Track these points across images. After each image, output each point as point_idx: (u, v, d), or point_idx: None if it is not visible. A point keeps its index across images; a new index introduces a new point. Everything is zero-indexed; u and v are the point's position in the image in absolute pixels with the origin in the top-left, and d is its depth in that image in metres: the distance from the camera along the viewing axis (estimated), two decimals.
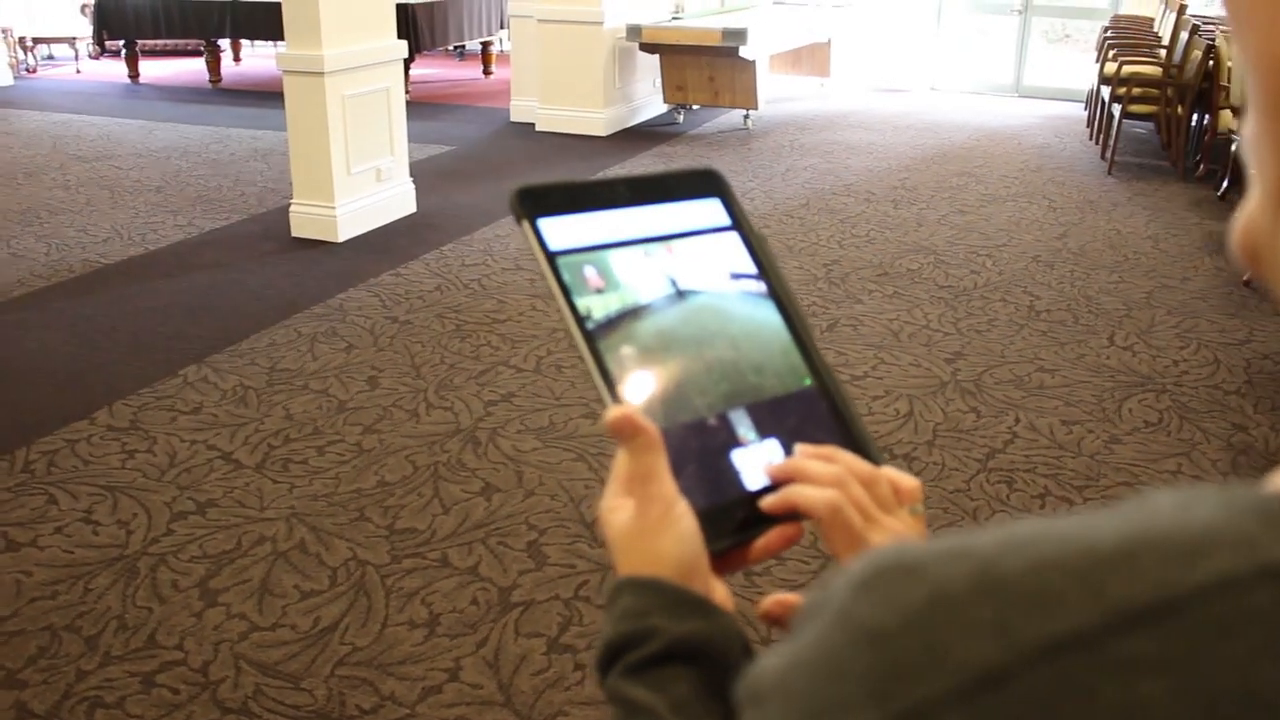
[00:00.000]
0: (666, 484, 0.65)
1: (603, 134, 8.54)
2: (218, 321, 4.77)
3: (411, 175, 6.42)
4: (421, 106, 9.67)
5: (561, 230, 0.70)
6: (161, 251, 5.78)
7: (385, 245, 5.80)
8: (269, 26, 10.43)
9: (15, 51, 12.52)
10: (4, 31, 12.01)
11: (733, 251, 0.76)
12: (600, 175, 7.02)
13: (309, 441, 3.71)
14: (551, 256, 0.69)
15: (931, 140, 8.62)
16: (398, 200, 6.27)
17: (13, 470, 3.55)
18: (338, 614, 2.84)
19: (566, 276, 0.69)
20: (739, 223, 0.77)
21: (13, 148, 8.28)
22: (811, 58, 10.88)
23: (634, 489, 0.65)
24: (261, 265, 5.53)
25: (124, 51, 11.89)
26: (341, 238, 5.85)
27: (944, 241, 5.98)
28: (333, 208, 5.82)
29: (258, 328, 4.68)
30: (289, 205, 6.00)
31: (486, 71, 12.13)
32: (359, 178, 5.95)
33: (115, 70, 12.37)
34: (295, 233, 5.94)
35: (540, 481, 3.46)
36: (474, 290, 5.13)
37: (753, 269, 0.76)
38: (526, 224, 0.69)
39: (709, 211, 0.77)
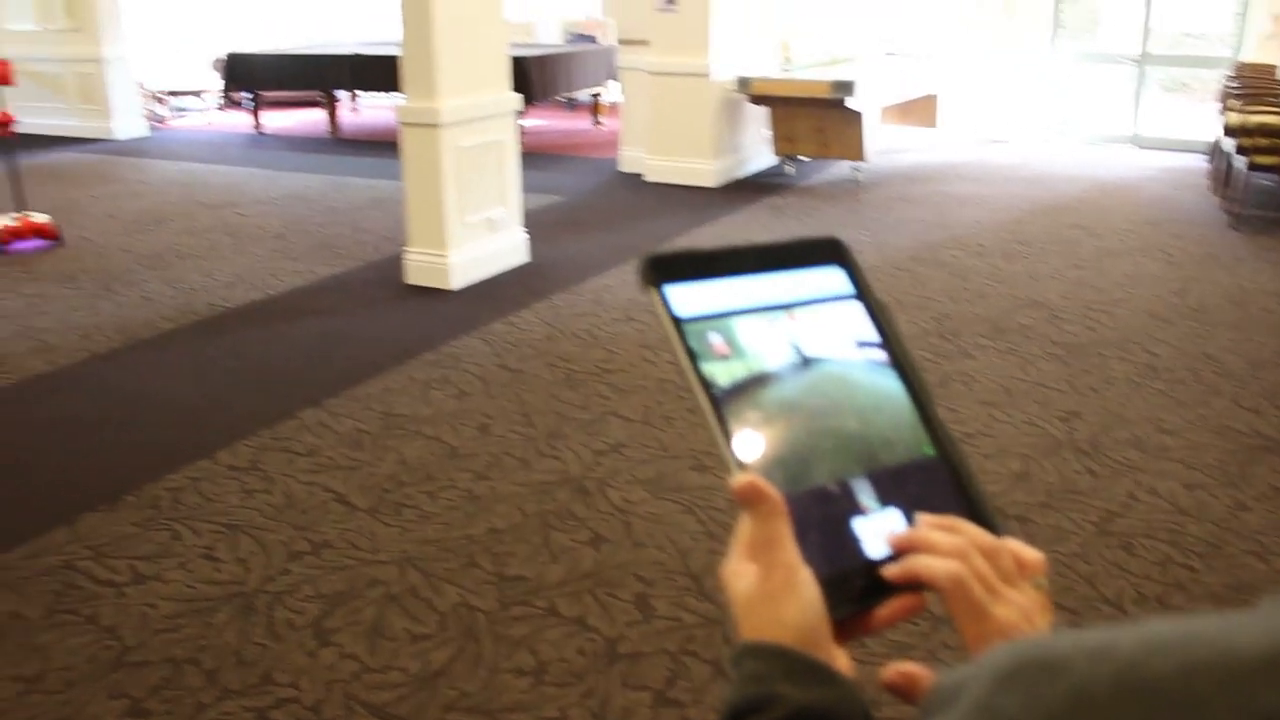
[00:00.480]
0: (790, 551, 0.66)
1: (712, 185, 8.60)
2: (334, 366, 4.91)
3: (523, 225, 6.54)
4: (532, 156, 9.84)
5: (688, 297, 0.72)
6: (281, 297, 5.97)
7: (497, 294, 5.91)
8: (386, 79, 10.75)
9: (150, 104, 13.12)
10: (140, 85, 12.58)
11: (856, 319, 0.77)
12: (709, 226, 7.03)
13: (421, 486, 3.78)
14: (678, 323, 0.71)
15: (1043, 192, 8.50)
16: (510, 249, 6.39)
17: (140, 505, 3.68)
18: (446, 658, 2.88)
19: (693, 343, 0.70)
20: (862, 291, 0.78)
21: (145, 195, 8.65)
22: (920, 108, 10.83)
23: (758, 555, 0.66)
24: (377, 312, 5.67)
25: (250, 103, 12.45)
26: (455, 286, 5.98)
27: (1058, 296, 5.88)
28: (446, 256, 5.96)
29: (373, 373, 4.79)
30: (404, 253, 6.16)
31: (596, 122, 12.32)
32: (472, 227, 6.08)
33: (241, 121, 12.90)
34: (410, 280, 6.08)
35: (649, 533, 3.48)
36: (584, 340, 5.19)
37: (875, 337, 0.77)
38: (654, 291, 0.71)
39: (832, 279, 0.78)
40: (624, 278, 6.12)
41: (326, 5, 15.75)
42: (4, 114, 7.61)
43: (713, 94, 8.52)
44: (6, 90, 7.67)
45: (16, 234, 7.28)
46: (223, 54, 12.51)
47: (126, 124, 12.13)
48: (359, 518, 3.58)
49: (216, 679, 2.82)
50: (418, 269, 6.05)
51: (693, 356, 0.70)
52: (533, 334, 5.28)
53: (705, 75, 8.45)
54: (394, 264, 6.34)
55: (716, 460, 3.81)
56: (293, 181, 9.12)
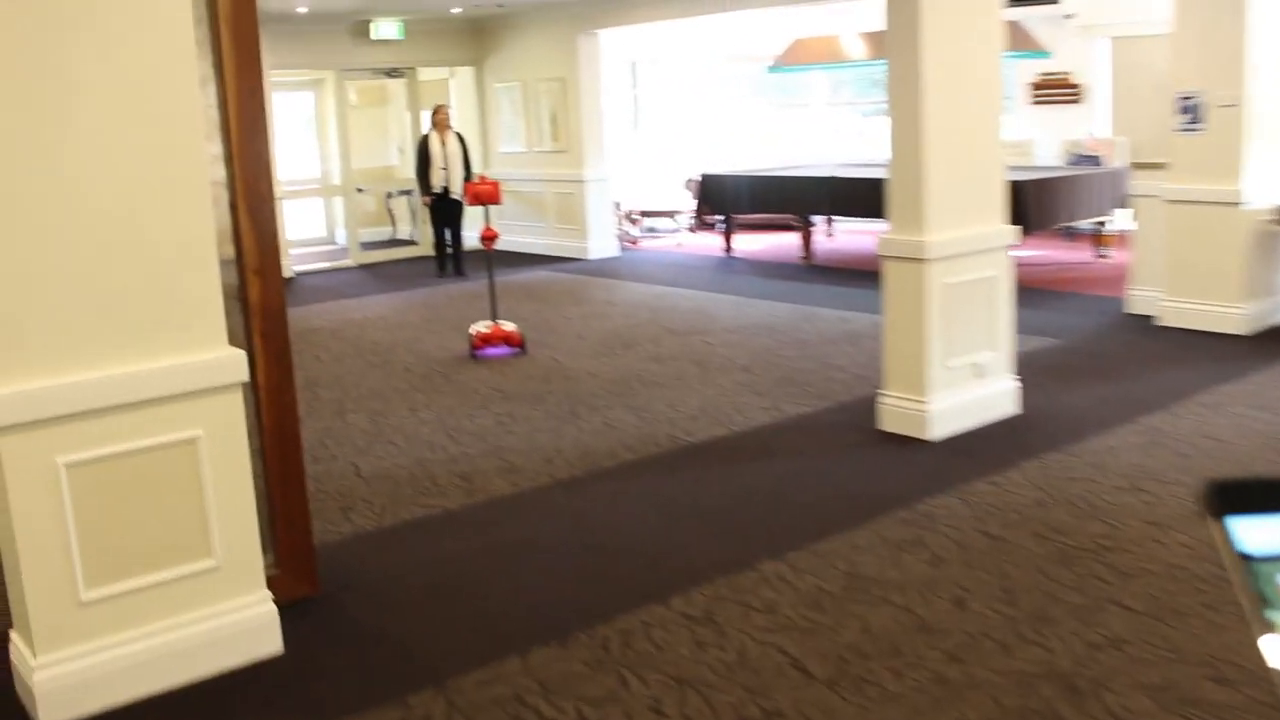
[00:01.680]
0: None
1: (1242, 332, 8.01)
2: (797, 515, 4.99)
3: (1013, 371, 6.39)
4: (1026, 292, 9.67)
5: (1258, 532, 0.68)
6: (745, 434, 6.19)
7: (980, 448, 5.79)
8: (865, 204, 11.01)
9: (622, 225, 14.27)
10: (615, 205, 13.74)
11: None
12: (1237, 382, 6.53)
13: (885, 661, 3.72)
14: (1244, 560, 0.67)
15: None
16: (996, 399, 6.26)
17: (591, 644, 3.89)
18: None
19: (1261, 586, 0.66)
20: None
21: (613, 317, 9.35)
22: None
23: None
24: (846, 458, 5.73)
25: (721, 225, 13.20)
26: (933, 436, 5.93)
27: None
28: (926, 403, 5.93)
29: (838, 527, 4.82)
30: (878, 396, 6.20)
31: (1100, 255, 11.91)
32: (956, 371, 6.03)
33: (711, 243, 13.69)
34: (883, 426, 6.11)
35: None
36: (1079, 509, 4.95)
37: None
38: (1217, 522, 0.69)
39: None
40: (1131, 439, 5.80)
41: (802, 125, 16.48)
42: (489, 230, 8.60)
43: (1244, 225, 7.99)
44: (492, 208, 8.66)
45: (487, 340, 8.25)
46: (696, 175, 13.41)
47: (600, 244, 13.29)
48: (815, 688, 3.58)
49: None
50: (893, 415, 6.07)
51: (1260, 600, 0.66)
52: (1019, 497, 5.11)
53: (1236, 204, 7.95)
54: (866, 407, 6.40)
55: (1242, 674, 3.47)
56: (761, 310, 9.51)
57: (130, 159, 3.60)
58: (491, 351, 8.25)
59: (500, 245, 12.37)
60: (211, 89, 4.17)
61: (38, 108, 3.40)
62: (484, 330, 8.32)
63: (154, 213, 3.67)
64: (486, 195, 8.44)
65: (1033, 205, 10.22)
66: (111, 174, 3.56)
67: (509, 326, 8.39)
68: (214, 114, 4.18)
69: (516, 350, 8.28)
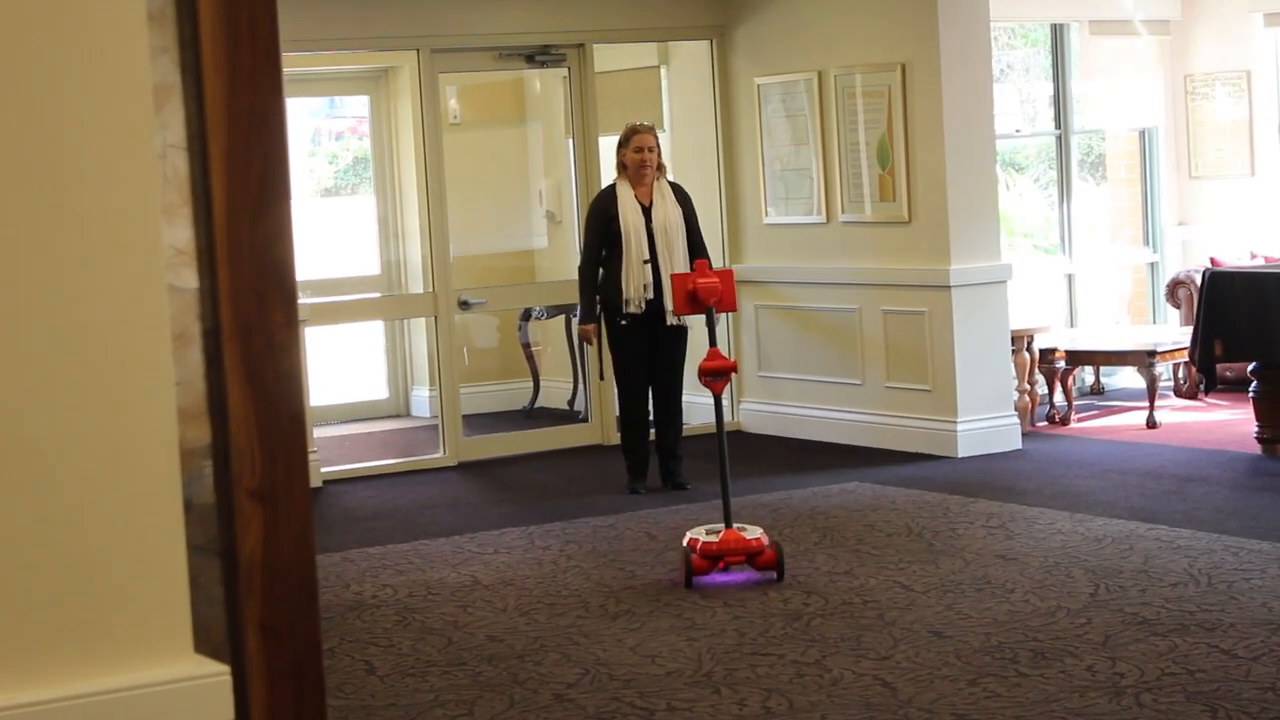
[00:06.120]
0: None
1: None
2: None
3: None
4: None
5: None
6: None
7: None
8: None
9: (1030, 381, 8.93)
10: (1023, 344, 8.68)
11: None
12: None
13: None
14: None
15: None
16: None
17: None
18: None
19: None
20: None
21: (1010, 587, 5.68)
22: None
23: None
24: None
25: (1256, 387, 7.67)
26: None
27: None
28: None
29: None
30: None
31: None
32: None
33: (1230, 422, 8.76)
34: None
35: None
36: None
37: None
38: None
39: None
40: None
41: None
42: (717, 357, 6.19)
43: None
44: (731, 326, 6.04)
45: (716, 555, 5.84)
46: (1190, 274, 8.90)
47: (983, 424, 8.09)
48: None
49: None
50: None
51: None
52: None
53: None
54: None
55: None
56: None
57: None
58: (721, 579, 5.87)
59: (766, 414, 8.89)
60: (176, 108, 2.07)
61: None
62: (709, 539, 5.88)
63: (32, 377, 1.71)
64: (707, 293, 6.08)
65: None
66: None
67: (753, 532, 5.94)
68: (178, 163, 2.08)
69: (767, 575, 5.88)
